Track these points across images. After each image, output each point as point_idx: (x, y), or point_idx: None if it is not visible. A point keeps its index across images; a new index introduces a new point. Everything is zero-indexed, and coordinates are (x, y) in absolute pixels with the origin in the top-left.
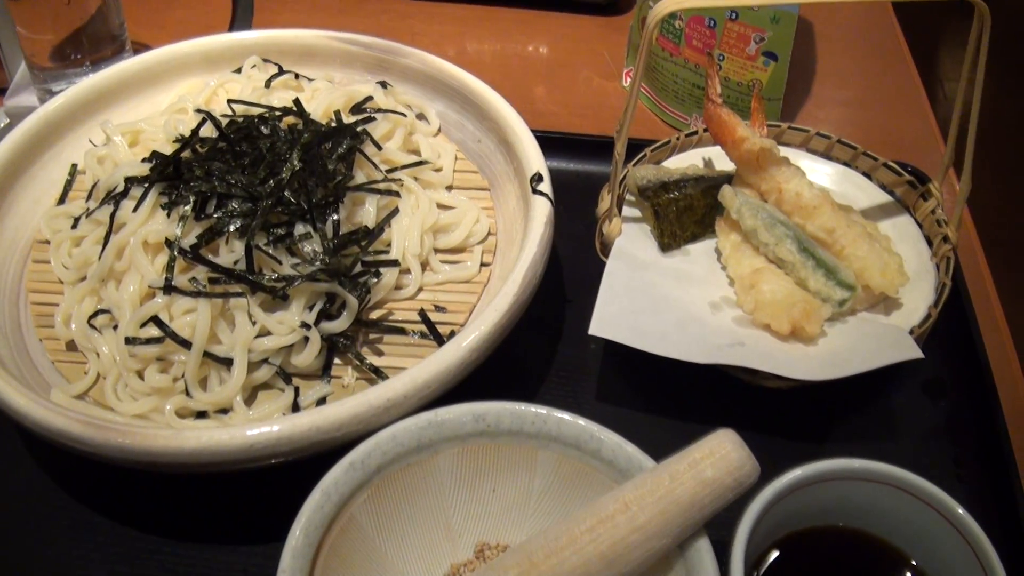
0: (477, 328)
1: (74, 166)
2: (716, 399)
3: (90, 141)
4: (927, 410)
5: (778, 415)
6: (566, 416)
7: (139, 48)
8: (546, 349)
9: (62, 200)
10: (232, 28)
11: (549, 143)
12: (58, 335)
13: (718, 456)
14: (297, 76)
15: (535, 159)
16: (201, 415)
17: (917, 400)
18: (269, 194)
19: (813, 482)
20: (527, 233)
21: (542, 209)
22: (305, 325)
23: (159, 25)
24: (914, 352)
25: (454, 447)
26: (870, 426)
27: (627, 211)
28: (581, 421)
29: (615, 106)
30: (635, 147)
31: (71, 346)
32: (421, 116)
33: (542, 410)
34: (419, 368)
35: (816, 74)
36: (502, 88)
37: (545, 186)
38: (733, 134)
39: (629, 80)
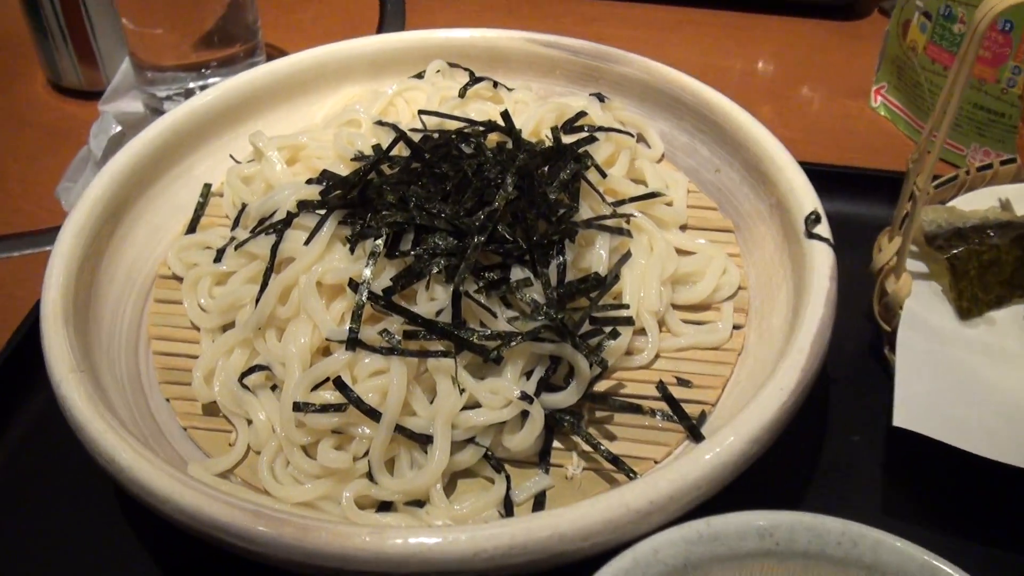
0: (758, 413)
1: (207, 186)
2: None
3: (231, 157)
4: None
5: None
6: (889, 539)
7: (271, 51)
8: (805, 439)
9: (192, 228)
10: (381, 29)
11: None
12: (195, 394)
13: None
14: (496, 84)
15: (806, 195)
16: (384, 507)
17: None
18: (480, 228)
19: None
20: (807, 288)
21: (824, 258)
22: (525, 397)
23: (290, 26)
24: None
25: (729, 570)
26: None
27: (909, 265)
28: (912, 549)
29: (862, 132)
30: (894, 182)
31: (210, 410)
32: (640, 138)
33: (852, 527)
34: (687, 463)
35: None
36: None
37: (824, 229)
38: None
39: (880, 99)
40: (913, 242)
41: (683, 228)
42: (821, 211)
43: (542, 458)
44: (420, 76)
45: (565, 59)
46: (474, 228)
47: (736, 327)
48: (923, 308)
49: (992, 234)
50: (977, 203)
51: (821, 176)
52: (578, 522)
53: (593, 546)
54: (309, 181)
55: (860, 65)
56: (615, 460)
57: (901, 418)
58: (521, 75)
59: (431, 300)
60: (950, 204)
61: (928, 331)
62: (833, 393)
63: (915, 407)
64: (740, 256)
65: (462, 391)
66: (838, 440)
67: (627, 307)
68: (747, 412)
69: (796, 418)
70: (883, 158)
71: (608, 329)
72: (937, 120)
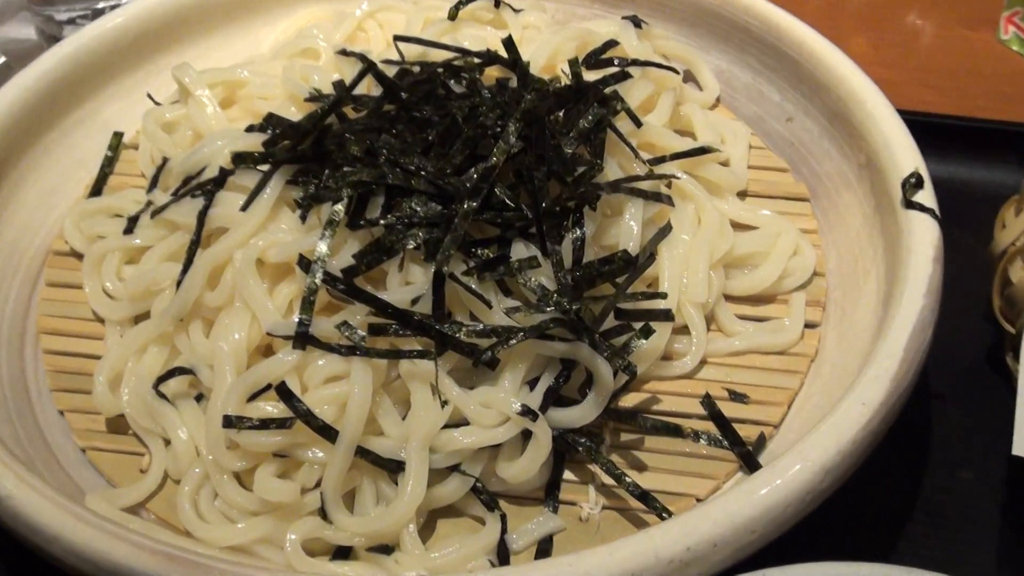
0: (833, 435)
1: (118, 136)
2: None
3: (149, 97)
4: None
5: None
6: None
7: None
8: (898, 473)
9: (97, 189)
10: None
11: None
12: (97, 405)
13: None
14: (498, 3)
15: (906, 152)
16: (342, 553)
17: None
18: (472, 191)
19: None
20: (902, 274)
21: (926, 234)
22: (527, 412)
23: None
24: None
25: None
26: None
27: None
28: None
29: (988, 72)
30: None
31: (116, 426)
32: (688, 77)
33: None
34: (736, 499)
35: None
36: None
37: (927, 196)
38: None
39: (1013, 29)
40: None
41: (742, 195)
42: (925, 173)
43: (549, 493)
44: None
45: None
46: (464, 190)
47: (809, 325)
48: None
49: None
50: None
51: (928, 129)
52: (593, 574)
53: None
54: (250, 128)
55: None
56: (644, 496)
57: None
58: None
59: (406, 284)
60: None
61: None
62: (938, 413)
63: None
64: (817, 232)
65: (444, 403)
66: (943, 475)
67: (664, 296)
68: (818, 433)
69: (886, 444)
70: (1016, 106)
71: (639, 326)
72: None
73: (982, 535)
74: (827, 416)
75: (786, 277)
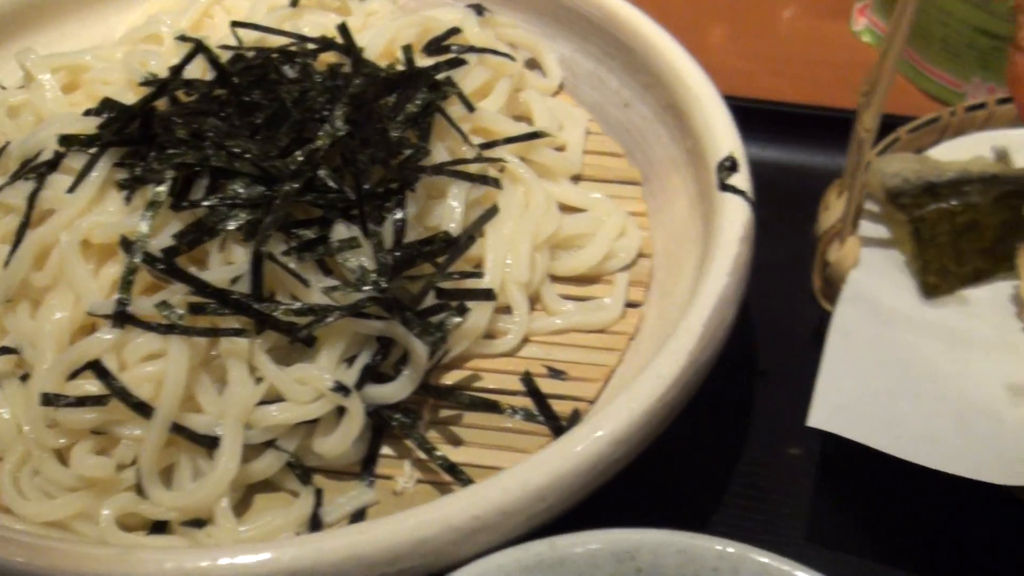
0: (626, 406)
1: None
2: (1006, 545)
3: None
4: None
5: None
6: (780, 565)
7: None
8: (723, 449)
9: None
10: None
11: (737, 115)
12: None
13: None
14: None
15: (726, 136)
16: (159, 527)
17: None
18: (294, 173)
19: None
20: (711, 253)
21: (736, 215)
22: (341, 388)
23: None
24: None
25: None
26: None
27: (866, 228)
28: (801, 572)
29: (840, 62)
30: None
31: None
32: (533, 64)
33: (731, 548)
34: (527, 468)
35: None
36: None
37: (741, 179)
38: None
39: (864, 21)
40: (873, 200)
41: (577, 179)
42: (740, 157)
43: (365, 467)
44: None
45: None
46: (286, 172)
47: (632, 304)
48: (874, 282)
49: (972, 191)
50: (966, 153)
51: (761, 116)
52: (382, 542)
53: (402, 572)
54: (88, 112)
55: None
56: (452, 469)
57: (819, 417)
58: None
59: (226, 264)
60: (928, 153)
61: (876, 311)
62: (764, 392)
63: (840, 405)
64: (647, 215)
65: (259, 381)
66: (768, 451)
67: (480, 275)
68: (612, 405)
69: (712, 420)
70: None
71: (456, 304)
72: (890, 38)
73: (800, 509)
74: (625, 389)
75: (611, 258)
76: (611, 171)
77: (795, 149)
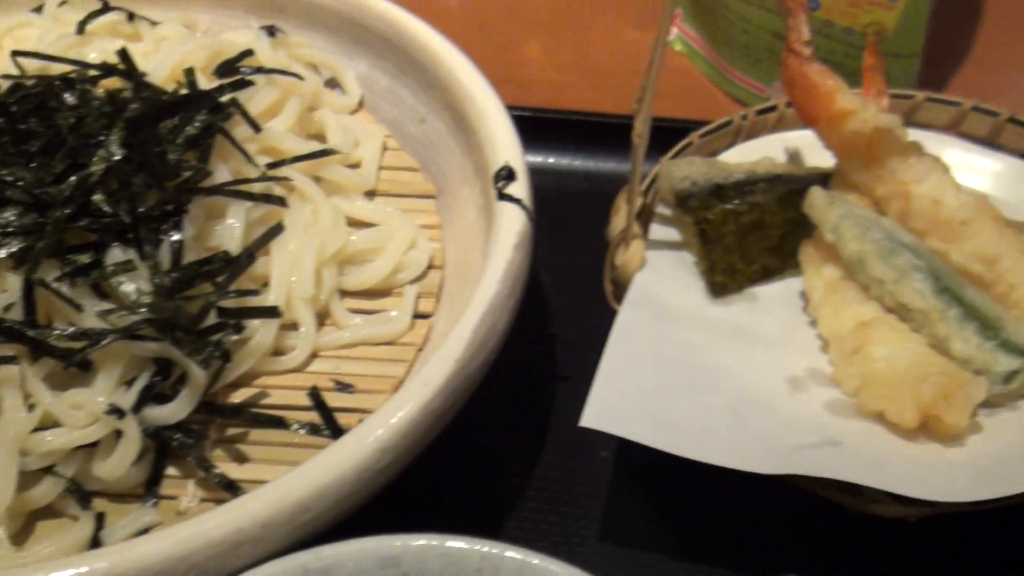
0: (393, 414)
1: None
2: (796, 536)
3: None
4: None
5: (901, 564)
6: (539, 560)
7: None
8: (522, 455)
9: None
10: None
11: (541, 127)
12: None
13: None
14: (132, 17)
15: (505, 147)
16: None
17: None
18: (67, 199)
19: None
20: (486, 262)
21: (512, 223)
22: (116, 411)
23: None
24: None
25: None
26: None
27: (658, 231)
28: (559, 568)
29: None
30: (678, 132)
31: None
32: (334, 82)
33: (494, 549)
34: (290, 480)
35: (984, 18)
36: (475, 44)
37: (519, 188)
38: (830, 106)
39: (676, 30)
40: (664, 203)
41: (371, 194)
42: (518, 167)
43: (149, 488)
44: (39, 10)
45: None
46: (59, 198)
47: (422, 315)
48: (661, 284)
49: (757, 191)
50: (757, 155)
51: (572, 126)
52: (140, 560)
53: None
54: None
55: None
56: (230, 486)
57: (591, 417)
58: (192, 6)
59: (1, 292)
60: (722, 156)
61: (661, 311)
62: (565, 396)
63: (614, 403)
64: (440, 228)
65: (32, 407)
66: (561, 454)
67: (256, 293)
68: (378, 415)
69: (504, 425)
70: (675, 104)
71: (234, 323)
72: (658, 44)
73: (596, 506)
74: (393, 397)
75: (400, 271)
76: (406, 185)
77: (602, 157)
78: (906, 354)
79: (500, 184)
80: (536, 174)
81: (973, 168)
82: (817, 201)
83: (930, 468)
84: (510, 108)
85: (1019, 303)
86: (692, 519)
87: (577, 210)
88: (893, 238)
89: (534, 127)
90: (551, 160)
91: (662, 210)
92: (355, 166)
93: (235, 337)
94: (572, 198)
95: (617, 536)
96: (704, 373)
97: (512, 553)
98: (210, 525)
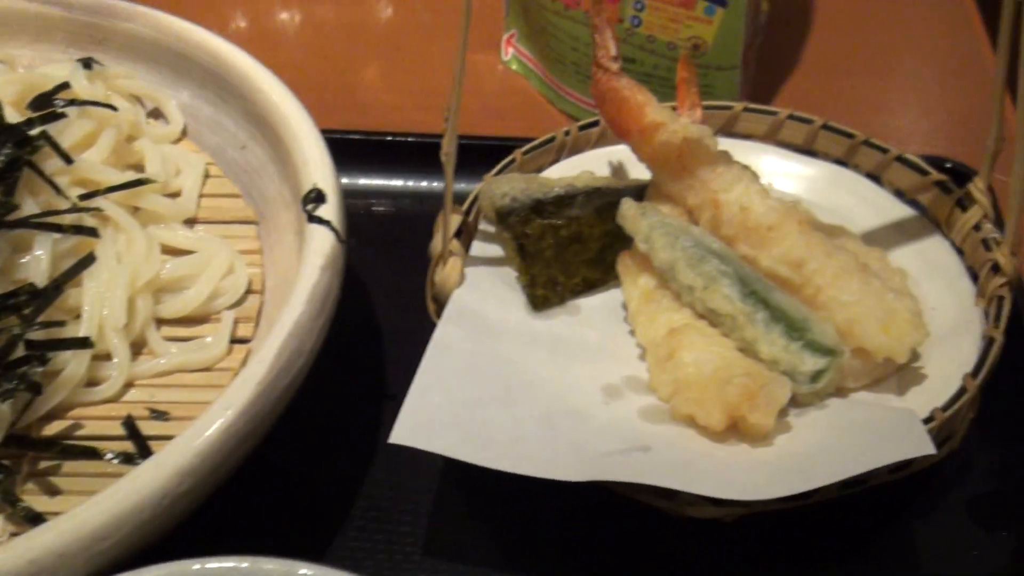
0: (194, 438)
1: None
2: (620, 542)
3: None
4: (980, 548)
5: (719, 564)
6: (321, 572)
7: None
8: (348, 475)
9: None
10: None
11: (375, 149)
12: None
13: None
14: None
15: (314, 169)
16: None
17: (963, 531)
18: None
19: None
20: (294, 284)
21: (320, 245)
22: None
23: None
24: (921, 446)
25: None
26: None
27: (480, 248)
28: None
29: (490, 92)
30: (500, 150)
31: None
32: (159, 112)
33: (280, 565)
34: (86, 508)
35: (804, 30)
36: (313, 69)
37: (328, 210)
38: (640, 119)
39: (512, 50)
40: (486, 220)
41: (192, 222)
42: (327, 188)
43: None
44: None
45: (61, 18)
46: None
47: (241, 340)
48: (480, 300)
49: (576, 204)
50: (583, 168)
51: (402, 148)
52: None
53: None
54: None
55: (492, 6)
56: (36, 519)
57: (400, 432)
58: (10, 42)
59: None
60: (547, 172)
61: (479, 327)
62: (388, 414)
63: (424, 418)
64: (261, 253)
65: None
66: (389, 471)
67: (63, 324)
68: (179, 439)
69: (339, 447)
70: (512, 123)
71: (39, 355)
72: (459, 60)
73: (420, 524)
74: (194, 422)
75: (218, 297)
76: (228, 212)
77: (435, 177)
78: (714, 358)
79: (309, 207)
80: (370, 196)
81: (789, 174)
82: (628, 212)
83: (736, 468)
84: (345, 132)
85: (826, 304)
86: (518, 531)
87: (410, 230)
88: (702, 245)
89: (369, 150)
90: (386, 182)
91: (484, 227)
92: (176, 195)
93: (40, 369)
94: (406, 219)
95: (443, 551)
96: (520, 386)
97: (303, 570)
98: (3, 557)
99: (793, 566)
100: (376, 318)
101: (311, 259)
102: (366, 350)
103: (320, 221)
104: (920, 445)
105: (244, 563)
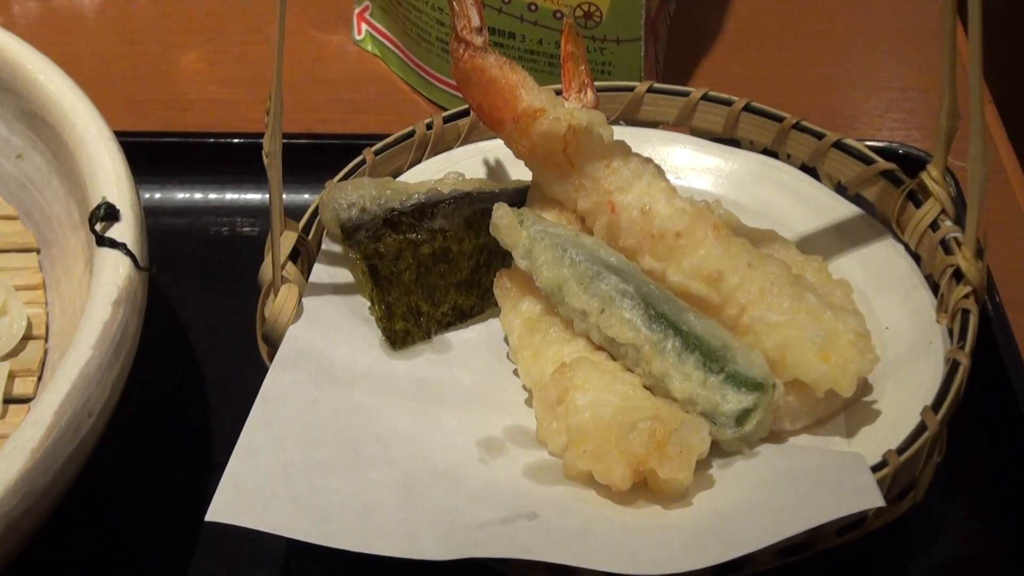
0: None
1: None
2: None
3: None
4: None
5: None
6: None
7: None
8: (163, 563)
9: None
10: None
11: (196, 153)
12: None
13: None
14: None
15: (104, 177)
16: None
17: None
18: None
19: None
20: (79, 325)
21: (111, 274)
22: None
23: None
24: (868, 497)
25: None
26: None
27: (324, 273)
28: None
29: (339, 79)
30: (353, 149)
31: None
32: None
33: None
34: None
35: None
36: (121, 58)
37: (123, 229)
38: (514, 104)
39: (365, 27)
40: (330, 238)
41: None
42: (121, 202)
43: None
44: None
45: None
46: None
47: (20, 400)
48: (324, 338)
49: (440, 213)
50: (448, 168)
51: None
52: None
53: None
54: None
55: None
56: None
57: (221, 509)
58: None
59: None
60: (408, 173)
61: (322, 372)
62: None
63: (252, 490)
64: (43, 288)
65: None
66: (230, 559)
67: None
68: None
69: (149, 528)
70: (369, 116)
71: None
72: (278, 35)
73: None
74: None
75: None
76: (2, 238)
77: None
78: (614, 399)
79: (99, 226)
80: (191, 212)
81: (706, 169)
82: (503, 221)
83: (645, 536)
84: (158, 134)
85: (752, 327)
86: None
87: (241, 255)
88: (596, 259)
89: (188, 154)
90: (210, 195)
91: (328, 247)
92: None
93: None
94: (239, 239)
95: None
96: (375, 443)
97: None
98: None
99: None
100: (198, 365)
101: (100, 292)
102: (185, 407)
103: (112, 244)
104: (867, 497)
105: None
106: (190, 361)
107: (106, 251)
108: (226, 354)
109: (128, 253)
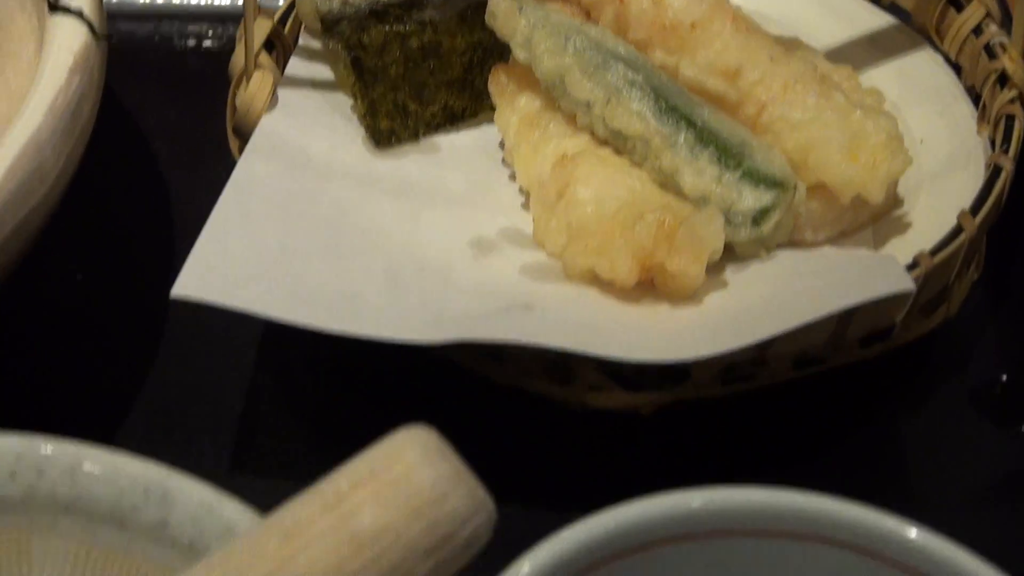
0: None
1: None
2: (500, 445)
3: None
4: (962, 440)
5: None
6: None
7: None
8: (129, 354)
9: None
10: None
11: None
12: None
13: (392, 480)
14: None
15: None
16: None
17: (958, 430)
18: None
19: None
20: (31, 92)
21: (67, 40)
22: None
23: None
24: (898, 282)
25: None
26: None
27: (301, 67)
28: (131, 464)
29: None
30: None
31: None
32: None
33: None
34: None
35: None
36: None
37: None
38: None
39: None
40: (309, 33)
41: None
42: None
43: None
44: None
45: None
46: None
47: None
48: (301, 131)
49: (429, 6)
50: None
51: None
52: None
53: None
54: None
55: None
56: None
57: (187, 284)
58: None
59: None
60: None
61: (300, 163)
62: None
63: (222, 268)
64: None
65: None
66: (211, 359)
67: None
68: None
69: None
70: None
71: None
72: None
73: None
74: None
75: None
76: None
77: None
78: (619, 192)
79: None
80: (156, 17)
81: None
82: (500, 6)
83: (651, 330)
84: None
85: (772, 127)
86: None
87: (213, 64)
88: (602, 48)
89: None
90: None
91: (307, 43)
92: None
93: None
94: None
95: (251, 453)
96: (356, 234)
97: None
98: None
99: (731, 475)
100: (162, 174)
101: (54, 58)
102: (146, 213)
103: (66, 10)
104: (896, 280)
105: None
106: (153, 170)
107: (59, 18)
108: (192, 162)
109: (84, 20)
